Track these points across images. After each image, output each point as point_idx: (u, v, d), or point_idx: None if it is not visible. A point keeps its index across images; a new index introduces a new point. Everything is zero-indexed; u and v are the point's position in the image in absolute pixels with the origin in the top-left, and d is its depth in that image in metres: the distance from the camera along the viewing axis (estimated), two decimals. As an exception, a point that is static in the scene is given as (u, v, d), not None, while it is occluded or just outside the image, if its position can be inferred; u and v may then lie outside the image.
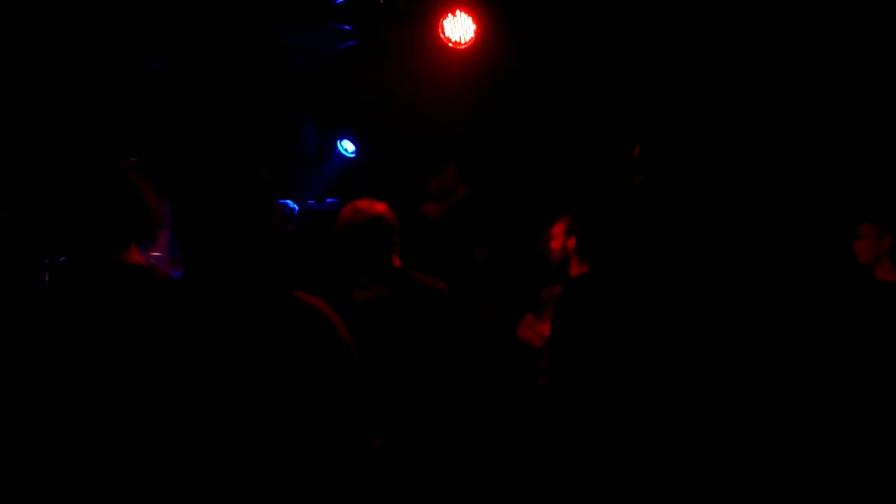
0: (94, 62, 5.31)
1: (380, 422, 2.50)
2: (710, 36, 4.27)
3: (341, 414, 1.76)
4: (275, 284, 1.78)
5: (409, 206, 5.65)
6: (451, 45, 4.69)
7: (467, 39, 4.65)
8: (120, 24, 5.10)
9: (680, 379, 3.08)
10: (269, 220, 1.79)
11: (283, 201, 5.53)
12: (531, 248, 4.41)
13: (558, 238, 3.75)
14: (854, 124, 4.13)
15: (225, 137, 5.51)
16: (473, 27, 4.64)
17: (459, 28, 4.65)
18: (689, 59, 4.38)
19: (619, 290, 3.34)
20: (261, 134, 5.88)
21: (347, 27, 5.43)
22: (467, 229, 5.11)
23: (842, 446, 3.19)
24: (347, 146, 6.04)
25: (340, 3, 5.29)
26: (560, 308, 3.46)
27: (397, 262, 2.80)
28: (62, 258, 2.00)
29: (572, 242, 3.68)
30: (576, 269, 3.65)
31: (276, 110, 5.98)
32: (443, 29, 4.67)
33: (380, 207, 2.75)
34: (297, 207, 5.68)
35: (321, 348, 1.75)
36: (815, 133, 4.12)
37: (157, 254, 5.41)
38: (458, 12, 4.64)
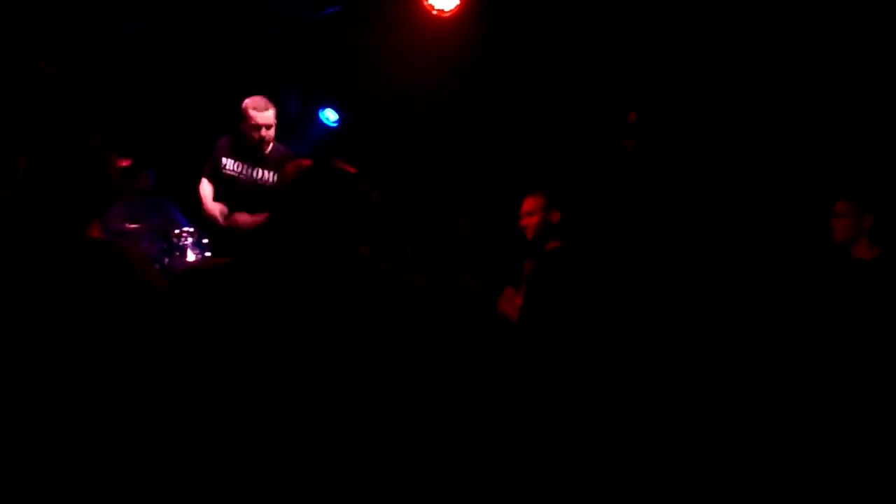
0: (73, 26, 5.21)
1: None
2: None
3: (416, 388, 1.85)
4: (359, 262, 1.84)
5: (392, 177, 5.60)
6: (434, 12, 4.61)
7: (451, 7, 4.57)
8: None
9: (655, 354, 3.07)
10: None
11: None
12: (514, 223, 4.38)
13: (536, 212, 3.70)
14: (837, 102, 4.11)
15: (204, 105, 5.43)
16: (458, -5, 4.57)
17: (443, -4, 4.58)
18: (689, 20, 4.31)
19: (595, 263, 3.31)
20: (241, 101, 5.81)
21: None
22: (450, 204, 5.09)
23: (820, 424, 3.20)
24: (330, 115, 5.96)
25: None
26: (530, 283, 3.44)
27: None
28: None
29: (556, 216, 3.63)
30: (552, 242, 3.63)
31: (257, 78, 5.89)
32: (427, -3, 4.59)
33: None
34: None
35: (403, 324, 1.82)
36: (800, 110, 4.10)
37: (133, 226, 5.36)
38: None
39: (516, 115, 5.17)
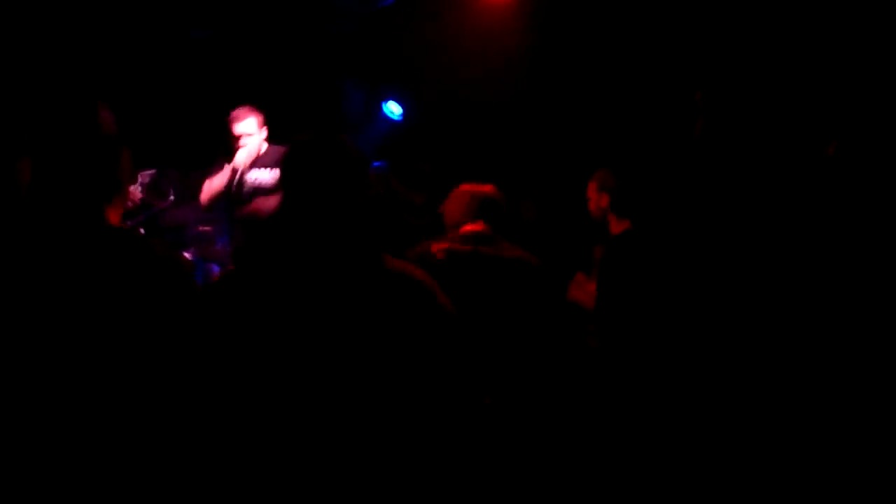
0: (138, 35, 5.34)
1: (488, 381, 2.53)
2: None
3: (449, 377, 1.75)
4: (368, 253, 1.77)
5: (459, 167, 5.56)
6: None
7: (508, -8, 4.50)
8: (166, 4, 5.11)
9: (729, 342, 2.95)
10: (364, 189, 1.81)
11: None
12: (581, 205, 4.28)
13: (592, 196, 3.61)
14: None
15: (270, 105, 5.49)
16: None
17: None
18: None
19: (663, 247, 3.20)
20: (305, 99, 5.85)
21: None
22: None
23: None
24: (393, 108, 5.95)
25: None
26: (602, 270, 3.34)
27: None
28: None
29: (605, 200, 3.52)
30: (615, 226, 3.51)
31: (319, 75, 5.93)
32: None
33: None
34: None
35: (420, 315, 1.74)
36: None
37: (206, 228, 5.48)
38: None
39: (579, 97, 5.06)
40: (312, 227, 1.76)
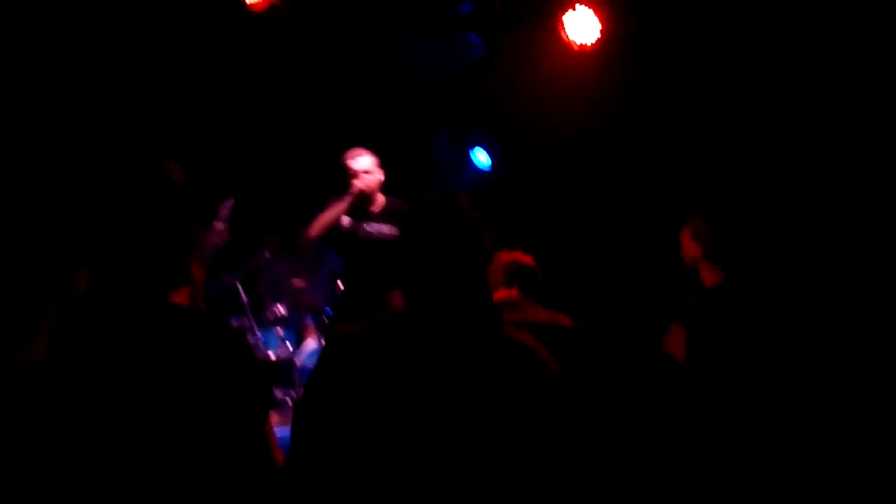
0: (231, 99, 5.56)
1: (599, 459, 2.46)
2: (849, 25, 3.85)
3: (556, 453, 1.70)
4: (490, 319, 1.74)
5: (546, 215, 5.52)
6: (577, 47, 4.51)
7: (593, 39, 4.46)
8: (255, 64, 5.31)
9: (826, 400, 2.78)
10: (487, 252, 1.77)
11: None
12: (675, 252, 4.15)
13: (684, 244, 3.47)
14: None
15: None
16: (598, 27, 4.44)
17: (584, 29, 4.47)
18: (829, 51, 3.97)
19: (759, 302, 3.05)
20: (393, 152, 5.94)
21: (474, 37, 5.38)
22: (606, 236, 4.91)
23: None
24: (481, 157, 5.97)
25: (467, 13, 5.25)
26: (693, 326, 3.21)
27: None
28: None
29: (697, 249, 3.37)
30: (708, 276, 3.36)
31: (409, 127, 6.01)
32: (567, 32, 4.50)
33: None
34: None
35: (540, 388, 1.69)
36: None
37: (299, 281, 5.59)
38: (580, 11, 4.46)
39: (669, 142, 4.95)
40: (438, 291, 1.72)
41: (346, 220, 4.24)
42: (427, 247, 1.73)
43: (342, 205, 4.21)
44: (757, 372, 2.93)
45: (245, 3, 4.11)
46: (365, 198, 4.23)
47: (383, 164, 4.39)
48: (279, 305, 5.54)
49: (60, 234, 1.44)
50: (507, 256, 3.03)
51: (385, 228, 4.24)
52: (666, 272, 4.53)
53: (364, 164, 4.23)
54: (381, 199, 4.32)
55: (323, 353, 1.84)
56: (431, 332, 1.70)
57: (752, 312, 3.04)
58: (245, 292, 5.51)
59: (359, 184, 4.18)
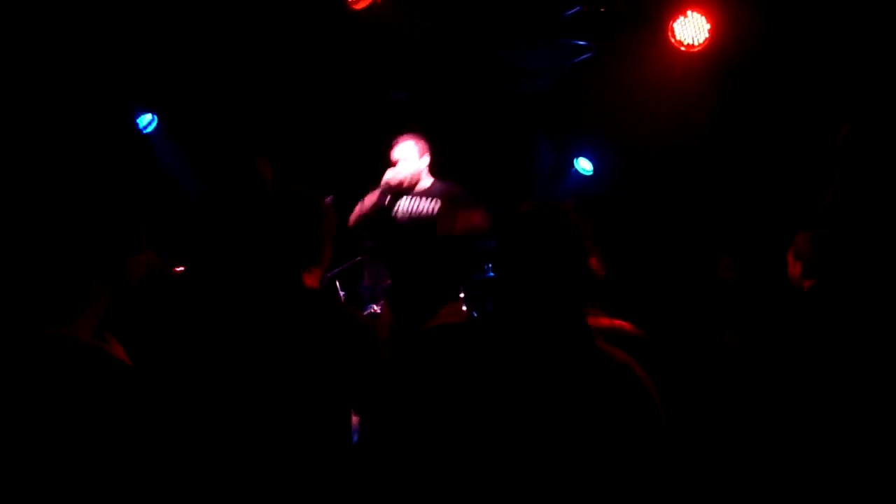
0: (343, 101, 5.68)
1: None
2: None
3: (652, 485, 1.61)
4: (580, 331, 1.68)
5: (646, 223, 5.34)
6: (683, 48, 4.36)
7: (700, 41, 4.29)
8: (366, 65, 5.40)
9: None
10: (586, 260, 1.73)
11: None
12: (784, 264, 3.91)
13: (790, 261, 3.23)
14: None
15: (464, 163, 5.61)
16: (707, 27, 4.28)
17: (691, 30, 4.32)
18: None
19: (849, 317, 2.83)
20: (498, 157, 5.91)
21: (579, 41, 5.29)
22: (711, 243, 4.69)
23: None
24: (584, 164, 5.86)
25: (570, 14, 5.16)
26: (784, 333, 3.00)
27: None
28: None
29: (798, 268, 3.13)
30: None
31: (513, 132, 5.97)
32: (674, 32, 4.36)
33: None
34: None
35: (628, 407, 1.61)
36: None
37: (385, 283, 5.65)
38: (689, 13, 4.31)
39: (786, 145, 4.69)
40: (531, 300, 1.69)
41: (386, 203, 4.11)
42: (525, 252, 1.69)
43: (374, 196, 4.12)
44: (859, 385, 2.72)
45: (348, 3, 4.18)
46: (397, 187, 4.09)
47: (488, 171, 4.30)
48: (375, 307, 5.61)
49: (113, 223, 1.52)
50: None
51: (424, 205, 4.10)
52: (774, 289, 4.29)
53: (400, 153, 4.11)
54: (427, 181, 4.18)
55: (407, 348, 1.86)
56: (521, 337, 1.66)
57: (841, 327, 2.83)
58: (343, 290, 5.60)
59: (388, 175, 4.08)
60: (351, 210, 4.20)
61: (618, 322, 2.66)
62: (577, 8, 4.87)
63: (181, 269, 3.71)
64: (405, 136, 4.19)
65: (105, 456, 1.35)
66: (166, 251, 3.77)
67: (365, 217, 4.17)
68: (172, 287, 2.78)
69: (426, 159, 4.19)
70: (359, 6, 4.18)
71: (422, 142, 4.19)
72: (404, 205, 4.14)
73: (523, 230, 1.71)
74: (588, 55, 5.31)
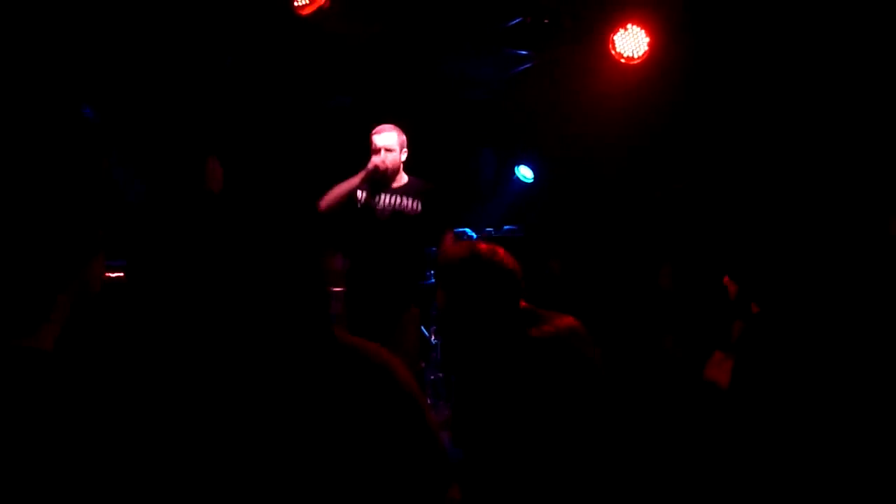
0: (283, 106, 5.63)
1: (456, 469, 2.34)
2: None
3: (412, 464, 1.67)
4: (321, 333, 1.71)
5: (587, 229, 5.45)
6: (623, 60, 4.46)
7: (640, 54, 4.40)
8: (309, 72, 5.37)
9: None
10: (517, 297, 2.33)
11: (460, 230, 5.53)
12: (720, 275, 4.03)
13: (727, 283, 3.34)
14: None
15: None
16: (646, 41, 4.39)
17: (631, 43, 4.42)
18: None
19: (804, 329, 2.94)
20: (441, 166, 5.93)
21: (521, 51, 5.36)
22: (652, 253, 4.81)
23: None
24: (525, 173, 5.94)
25: (512, 25, 5.23)
26: (739, 349, 3.10)
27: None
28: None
29: (734, 288, 3.23)
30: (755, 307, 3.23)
31: (455, 139, 6.01)
32: (614, 45, 4.46)
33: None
34: (475, 235, 5.66)
35: (380, 396, 1.67)
36: None
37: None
38: (630, 27, 4.42)
39: (716, 159, 4.85)
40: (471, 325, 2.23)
41: (361, 194, 4.11)
42: (469, 293, 2.24)
43: (355, 179, 4.09)
44: (809, 400, 2.82)
45: (294, 8, 4.16)
46: (382, 175, 4.07)
47: (430, 177, 4.30)
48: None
49: (71, 227, 1.46)
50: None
51: (405, 202, 4.11)
52: (710, 295, 4.42)
53: (386, 141, 4.08)
54: (403, 177, 4.18)
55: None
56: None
57: (803, 339, 2.93)
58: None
59: (376, 159, 4.05)
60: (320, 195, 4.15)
61: (567, 318, 2.71)
62: (520, 19, 4.95)
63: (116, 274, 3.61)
64: (389, 126, 4.15)
65: (76, 473, 1.30)
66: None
67: (338, 203, 4.10)
68: (119, 297, 2.71)
69: (405, 154, 4.19)
70: (305, 11, 4.16)
71: (404, 135, 4.18)
72: (385, 198, 4.12)
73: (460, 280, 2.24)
74: (530, 65, 5.39)
